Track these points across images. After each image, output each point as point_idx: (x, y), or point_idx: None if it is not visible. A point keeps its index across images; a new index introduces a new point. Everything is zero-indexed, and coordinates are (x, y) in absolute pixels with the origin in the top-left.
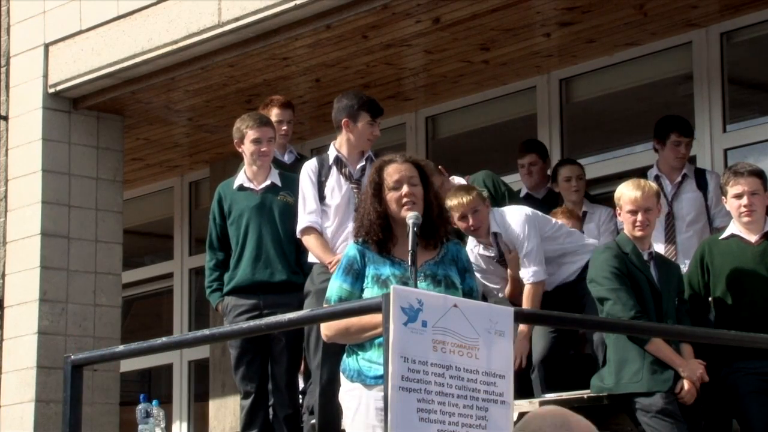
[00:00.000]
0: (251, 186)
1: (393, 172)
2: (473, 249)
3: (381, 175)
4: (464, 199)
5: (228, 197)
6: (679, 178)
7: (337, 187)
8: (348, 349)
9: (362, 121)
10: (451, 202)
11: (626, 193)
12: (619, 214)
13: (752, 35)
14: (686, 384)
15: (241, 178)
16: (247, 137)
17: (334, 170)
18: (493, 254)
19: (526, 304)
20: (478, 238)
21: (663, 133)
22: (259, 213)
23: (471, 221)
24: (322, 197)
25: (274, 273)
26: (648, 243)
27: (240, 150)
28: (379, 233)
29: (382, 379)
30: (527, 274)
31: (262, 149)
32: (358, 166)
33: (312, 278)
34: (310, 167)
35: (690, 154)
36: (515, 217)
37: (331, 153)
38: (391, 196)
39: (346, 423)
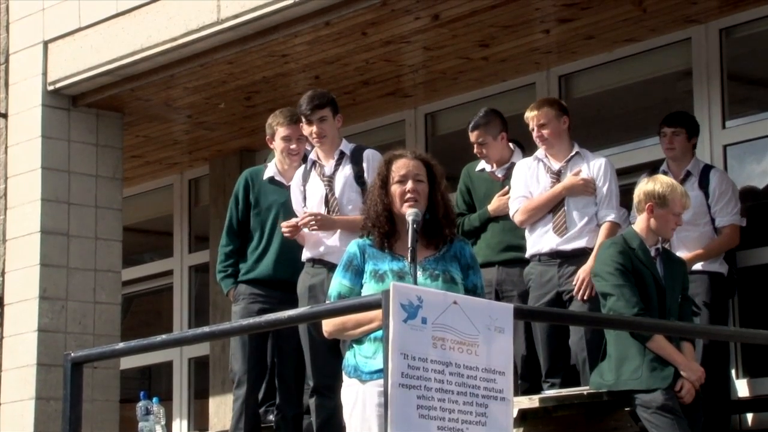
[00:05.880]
0: (282, 180)
1: (400, 166)
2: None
3: (389, 169)
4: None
5: (256, 186)
6: (682, 176)
7: (314, 188)
8: (348, 345)
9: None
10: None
11: (677, 197)
12: (647, 211)
13: (751, 31)
14: (686, 383)
15: (272, 170)
16: (277, 134)
17: (312, 173)
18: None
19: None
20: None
21: (658, 128)
22: (288, 210)
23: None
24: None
25: (295, 272)
26: (656, 239)
27: (271, 146)
28: (386, 225)
29: (377, 374)
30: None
31: (292, 146)
32: (331, 164)
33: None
34: (297, 177)
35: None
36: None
37: (310, 158)
38: (395, 190)
39: (345, 418)
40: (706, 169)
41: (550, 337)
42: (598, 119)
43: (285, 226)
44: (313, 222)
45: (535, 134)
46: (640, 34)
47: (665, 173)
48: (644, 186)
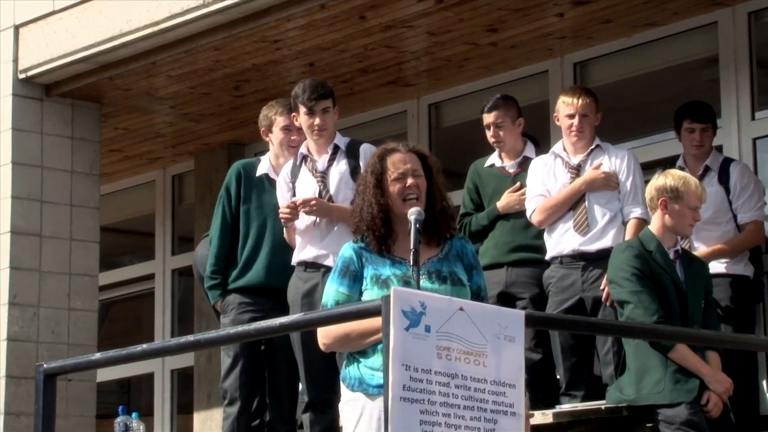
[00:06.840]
0: (275, 178)
1: (397, 162)
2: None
3: (383, 165)
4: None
5: (249, 181)
6: (701, 172)
7: (305, 184)
8: (348, 357)
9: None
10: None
11: (692, 189)
12: (660, 207)
13: None
14: (713, 396)
15: (265, 166)
16: (276, 124)
17: (303, 168)
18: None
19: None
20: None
21: (677, 121)
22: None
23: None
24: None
25: (287, 278)
26: (674, 239)
27: (267, 139)
28: (381, 228)
29: None
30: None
31: (292, 137)
32: (325, 158)
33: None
34: (284, 172)
35: (714, 143)
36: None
37: (300, 152)
38: (393, 189)
39: None
40: (726, 162)
41: (572, 346)
42: (615, 110)
43: (285, 207)
44: (309, 207)
45: (573, 123)
46: (662, 18)
47: (682, 169)
48: (655, 182)
